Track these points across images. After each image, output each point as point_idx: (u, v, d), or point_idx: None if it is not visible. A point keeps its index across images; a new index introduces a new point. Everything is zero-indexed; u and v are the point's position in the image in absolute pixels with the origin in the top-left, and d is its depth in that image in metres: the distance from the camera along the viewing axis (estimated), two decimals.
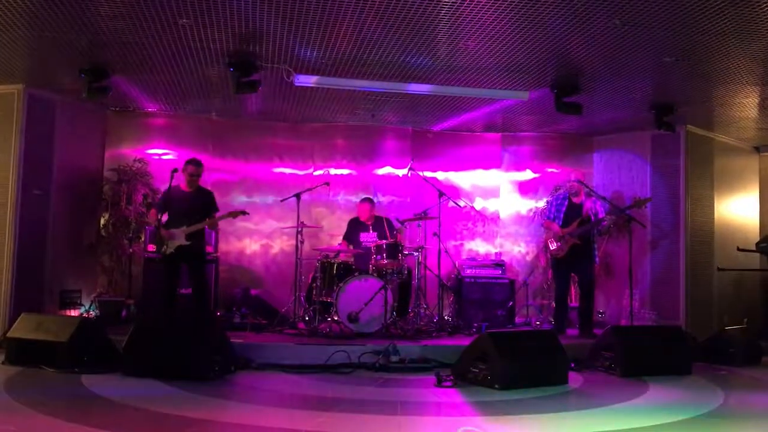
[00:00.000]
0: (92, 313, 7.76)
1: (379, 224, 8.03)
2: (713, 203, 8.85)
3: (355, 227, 8.20)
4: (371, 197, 8.42)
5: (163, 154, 8.68)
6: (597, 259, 7.89)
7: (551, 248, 7.66)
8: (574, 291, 8.34)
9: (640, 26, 5.31)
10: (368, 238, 7.94)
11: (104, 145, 8.53)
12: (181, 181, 7.04)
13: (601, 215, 7.58)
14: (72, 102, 7.74)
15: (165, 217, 6.96)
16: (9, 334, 5.98)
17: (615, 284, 8.88)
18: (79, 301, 7.88)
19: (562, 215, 7.67)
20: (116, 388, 4.99)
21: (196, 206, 6.98)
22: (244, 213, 7.19)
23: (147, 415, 4.26)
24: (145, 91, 7.63)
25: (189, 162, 7.09)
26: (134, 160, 8.39)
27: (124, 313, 7.70)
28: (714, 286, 8.70)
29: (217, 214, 7.11)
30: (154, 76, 6.96)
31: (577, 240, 7.46)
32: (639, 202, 7.69)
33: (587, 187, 7.83)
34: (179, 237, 6.83)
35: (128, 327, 5.82)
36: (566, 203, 7.72)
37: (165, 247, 6.84)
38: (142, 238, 8.10)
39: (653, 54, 5.94)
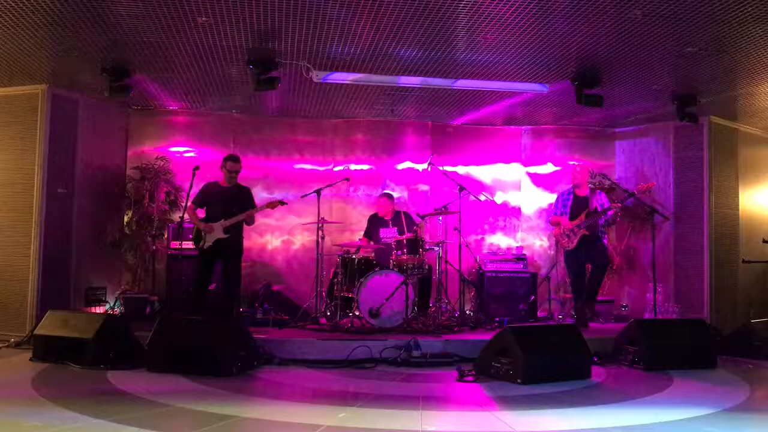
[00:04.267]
0: (117, 310, 7.87)
1: (399, 219, 8.03)
2: (738, 195, 8.73)
3: (374, 223, 8.20)
4: (390, 193, 8.40)
5: (184, 151, 8.76)
6: (606, 243, 8.02)
7: (561, 242, 7.75)
8: None
9: (662, 17, 5.25)
10: (388, 233, 7.94)
11: (127, 144, 8.64)
12: (219, 177, 7.11)
13: (606, 205, 7.62)
14: (94, 101, 7.84)
15: (202, 212, 7.02)
16: (36, 331, 6.08)
17: (638, 278, 8.82)
18: (104, 298, 7.99)
19: (568, 210, 7.76)
20: (141, 383, 5.05)
21: (235, 202, 7.01)
22: (282, 203, 7.19)
23: (172, 411, 4.31)
24: (166, 90, 7.70)
25: (228, 158, 7.13)
26: (156, 158, 8.47)
27: (148, 309, 7.80)
28: (739, 278, 8.60)
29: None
30: (175, 74, 7.02)
31: (585, 231, 7.52)
32: (641, 189, 7.59)
33: (590, 172, 8.08)
34: (217, 230, 6.88)
35: (152, 323, 5.87)
36: (571, 198, 7.81)
37: (203, 241, 6.90)
38: (165, 235, 8.20)
39: (675, 45, 5.87)
